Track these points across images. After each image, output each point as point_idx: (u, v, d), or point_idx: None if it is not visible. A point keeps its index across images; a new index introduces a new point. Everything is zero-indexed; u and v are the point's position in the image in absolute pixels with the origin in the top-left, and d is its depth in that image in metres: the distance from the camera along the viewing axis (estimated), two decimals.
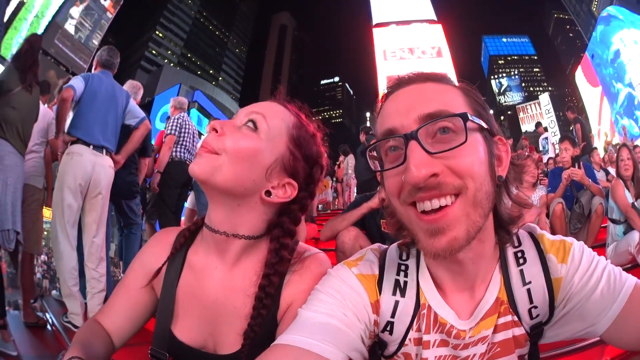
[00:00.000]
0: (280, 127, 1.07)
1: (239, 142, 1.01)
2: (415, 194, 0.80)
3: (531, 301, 0.92)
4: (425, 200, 0.80)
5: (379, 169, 0.90)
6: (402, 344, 0.96)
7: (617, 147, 5.40)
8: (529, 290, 0.92)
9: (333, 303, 0.90)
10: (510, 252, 0.96)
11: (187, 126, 5.66)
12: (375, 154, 0.93)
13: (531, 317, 0.93)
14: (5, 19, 22.56)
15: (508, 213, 0.90)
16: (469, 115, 0.80)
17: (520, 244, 0.96)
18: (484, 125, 0.85)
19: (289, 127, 1.08)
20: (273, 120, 1.06)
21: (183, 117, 5.71)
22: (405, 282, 0.98)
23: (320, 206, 10.83)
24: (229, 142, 1.00)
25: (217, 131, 1.01)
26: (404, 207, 0.85)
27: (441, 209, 0.79)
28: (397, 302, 0.96)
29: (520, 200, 0.93)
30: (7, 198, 3.00)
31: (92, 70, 3.92)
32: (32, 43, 3.42)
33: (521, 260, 0.94)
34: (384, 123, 0.88)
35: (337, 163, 11.60)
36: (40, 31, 24.67)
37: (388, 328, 0.96)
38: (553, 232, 0.95)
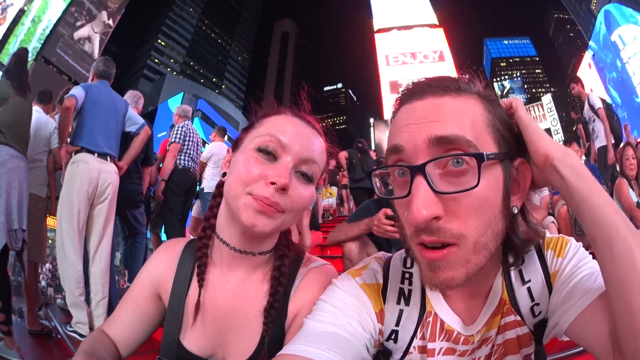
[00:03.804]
0: (322, 167, 1.08)
1: (304, 202, 1.01)
2: (420, 235, 0.77)
3: (532, 299, 0.91)
4: (427, 243, 0.77)
5: (383, 192, 0.89)
6: (406, 352, 0.95)
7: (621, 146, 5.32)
8: (529, 289, 0.91)
9: (337, 312, 0.89)
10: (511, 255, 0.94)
11: (192, 134, 5.67)
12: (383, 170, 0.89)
13: (534, 315, 0.92)
14: (6, 27, 22.75)
15: (521, 239, 0.85)
16: (485, 156, 0.74)
17: None
18: (504, 155, 0.79)
19: (325, 162, 1.10)
20: (321, 164, 1.06)
21: (187, 125, 5.71)
22: (410, 290, 0.97)
23: (324, 213, 10.71)
24: (296, 203, 0.99)
25: (284, 189, 0.96)
26: (412, 241, 0.82)
27: (442, 247, 0.77)
28: (401, 311, 0.95)
29: (536, 229, 0.88)
30: (13, 199, 3.03)
31: (90, 81, 3.93)
32: (20, 56, 3.52)
33: (520, 262, 0.92)
34: (392, 138, 0.83)
35: (342, 170, 11.50)
36: (37, 35, 24.83)
37: (392, 336, 0.95)
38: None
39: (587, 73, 30.13)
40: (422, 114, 0.79)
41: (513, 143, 0.82)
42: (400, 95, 0.87)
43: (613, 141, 6.06)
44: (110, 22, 30.56)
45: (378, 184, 0.91)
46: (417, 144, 0.77)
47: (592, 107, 6.36)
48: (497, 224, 0.78)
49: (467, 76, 0.86)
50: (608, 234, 0.71)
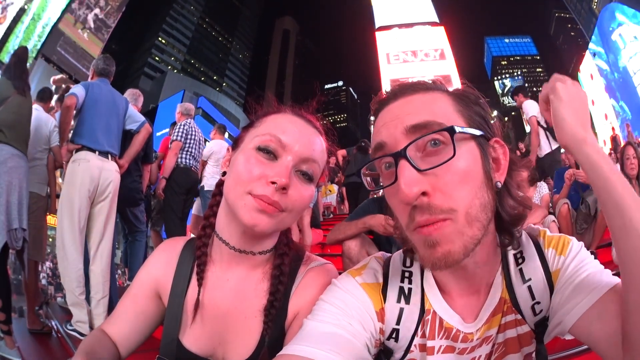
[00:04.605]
0: (323, 166, 1.08)
1: (304, 201, 1.02)
2: (414, 218, 0.80)
3: (533, 297, 0.91)
4: (422, 225, 0.80)
5: (374, 186, 0.92)
6: (407, 350, 0.96)
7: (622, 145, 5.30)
8: (529, 287, 0.92)
9: (338, 312, 0.89)
10: (510, 253, 0.95)
11: (193, 133, 5.65)
12: (372, 170, 0.93)
13: (535, 314, 0.92)
14: (7, 26, 22.73)
15: (510, 214, 0.89)
16: (456, 128, 0.80)
17: (519, 245, 0.96)
18: (476, 132, 0.84)
19: (326, 161, 1.10)
20: (322, 163, 1.07)
21: (189, 123, 5.70)
22: (410, 289, 0.97)
23: (324, 211, 10.64)
24: (296, 202, 0.99)
25: (284, 188, 0.96)
26: (408, 231, 0.85)
27: (435, 222, 0.79)
28: (402, 310, 0.96)
29: (523, 202, 0.91)
30: (13, 198, 3.04)
31: (89, 80, 3.93)
32: (20, 55, 3.55)
33: (520, 260, 0.94)
34: (374, 138, 0.90)
35: (342, 167, 11.45)
36: (36, 34, 24.80)
37: (393, 335, 0.96)
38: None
39: (590, 83, 30.05)
40: (396, 112, 0.88)
41: (485, 126, 0.88)
42: (376, 105, 0.95)
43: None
44: (112, 20, 30.52)
45: (369, 180, 0.95)
46: (396, 137, 0.84)
47: (525, 115, 6.28)
48: (483, 195, 0.82)
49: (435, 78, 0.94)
50: (621, 210, 0.76)
